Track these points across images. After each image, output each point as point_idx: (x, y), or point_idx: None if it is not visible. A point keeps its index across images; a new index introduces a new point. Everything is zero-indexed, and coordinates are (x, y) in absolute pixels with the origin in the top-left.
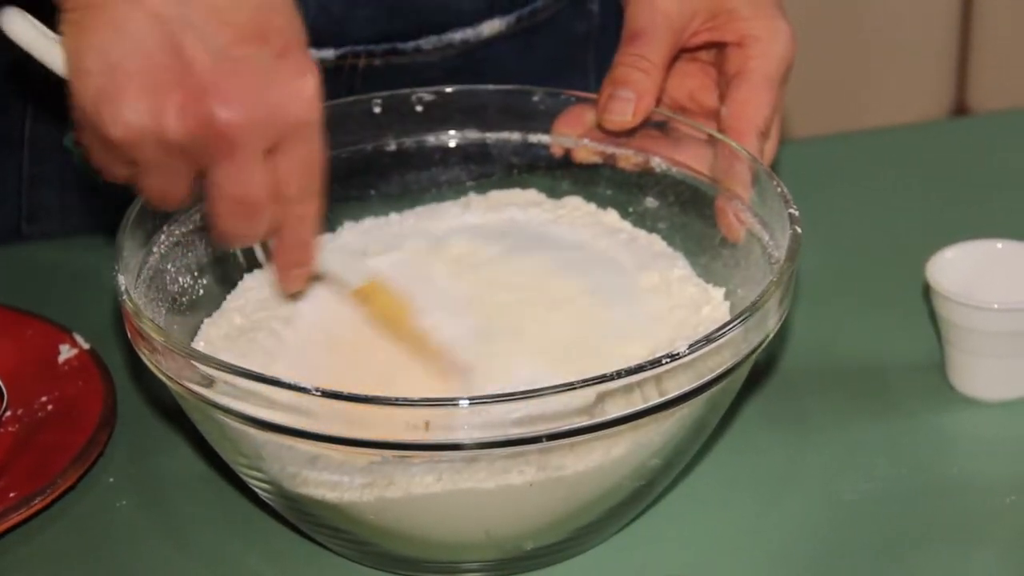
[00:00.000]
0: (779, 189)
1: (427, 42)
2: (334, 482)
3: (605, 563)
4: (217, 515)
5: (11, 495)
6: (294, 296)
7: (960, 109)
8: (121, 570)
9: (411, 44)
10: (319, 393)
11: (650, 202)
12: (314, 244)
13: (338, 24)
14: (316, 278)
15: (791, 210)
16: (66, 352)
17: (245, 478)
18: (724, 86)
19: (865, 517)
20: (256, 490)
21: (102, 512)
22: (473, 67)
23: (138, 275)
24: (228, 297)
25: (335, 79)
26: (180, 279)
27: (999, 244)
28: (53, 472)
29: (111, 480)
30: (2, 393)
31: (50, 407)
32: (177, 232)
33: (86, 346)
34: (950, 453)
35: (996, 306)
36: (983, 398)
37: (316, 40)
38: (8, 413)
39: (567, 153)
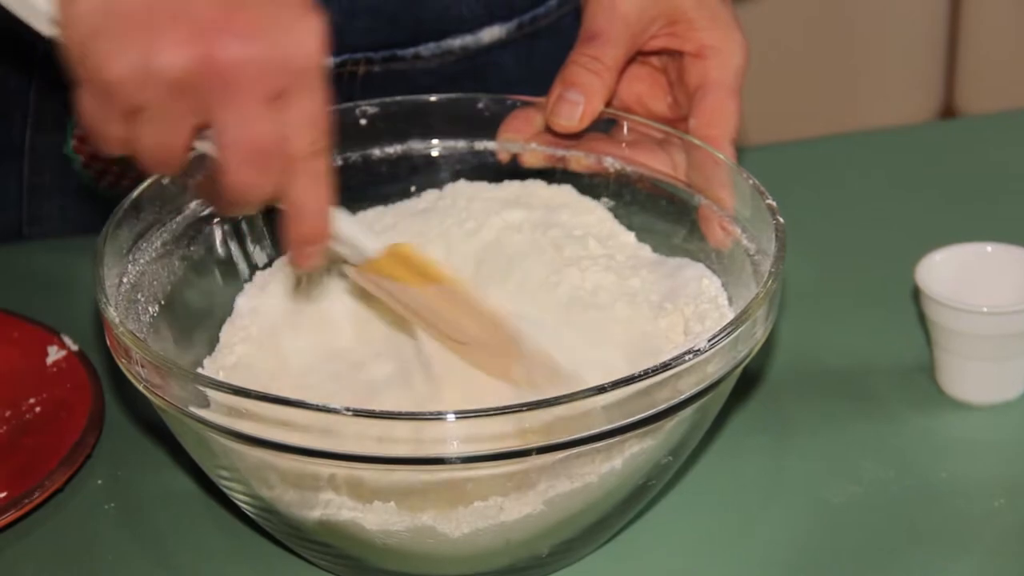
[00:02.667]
0: (751, 182)
1: (426, 49)
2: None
3: (598, 571)
4: (205, 519)
5: None
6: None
7: (948, 111)
8: (109, 572)
9: (410, 51)
10: (295, 404)
11: (605, 202)
12: (328, 210)
13: (337, 32)
14: (330, 258)
15: (768, 201)
16: (54, 354)
17: (228, 492)
18: (683, 97)
19: (853, 520)
20: (240, 505)
21: (90, 514)
22: (473, 73)
23: (119, 283)
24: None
25: (334, 86)
26: (159, 289)
27: (988, 247)
28: (41, 474)
29: (99, 482)
30: None
31: (38, 409)
32: (158, 241)
33: (75, 348)
34: (938, 456)
35: (985, 309)
36: (972, 401)
37: None
38: None
39: (514, 158)
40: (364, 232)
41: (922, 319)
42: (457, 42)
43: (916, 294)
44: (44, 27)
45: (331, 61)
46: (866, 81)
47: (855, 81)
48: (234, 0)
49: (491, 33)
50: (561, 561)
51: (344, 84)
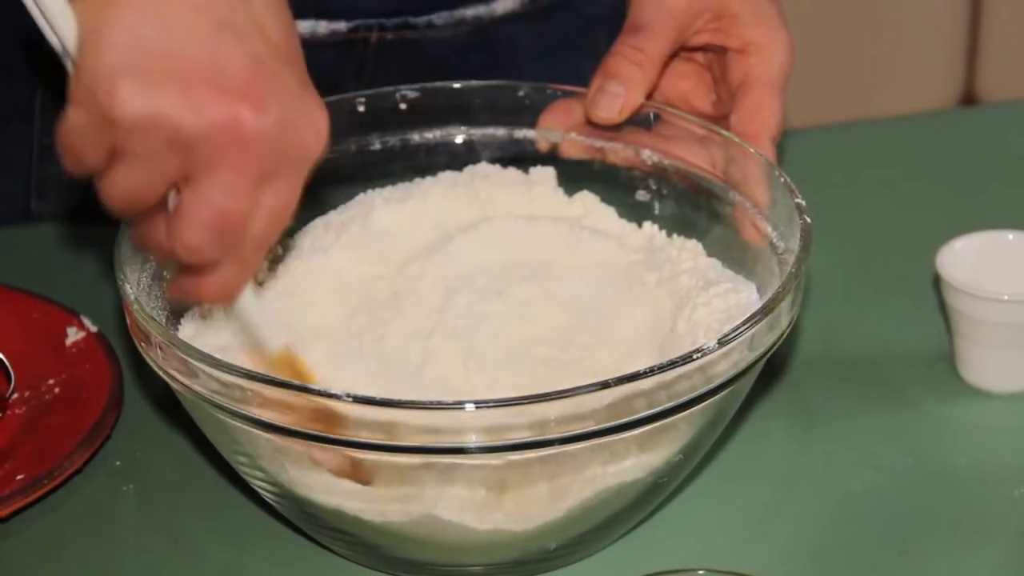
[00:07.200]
0: (783, 180)
1: (439, 17)
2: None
3: (619, 559)
4: (223, 502)
5: (18, 477)
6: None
7: (969, 99)
8: (126, 554)
9: (423, 19)
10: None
11: (641, 196)
12: (238, 296)
13: None
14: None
15: (798, 200)
16: (73, 335)
17: (246, 477)
18: (726, 93)
19: (873, 507)
20: (258, 490)
21: (108, 496)
22: (485, 45)
23: (143, 263)
24: None
25: (347, 53)
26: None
27: (1009, 235)
28: (60, 455)
29: (117, 463)
30: (9, 375)
31: (57, 390)
32: None
33: (93, 329)
34: (958, 444)
35: (1006, 297)
36: (992, 389)
37: (328, 12)
38: (15, 395)
39: (554, 148)
40: (266, 325)
41: (942, 307)
42: (470, 12)
43: (936, 282)
44: (58, 43)
45: (344, 26)
46: (886, 68)
47: (875, 68)
48: (262, 73)
49: (504, 4)
50: (573, 555)
51: (356, 50)
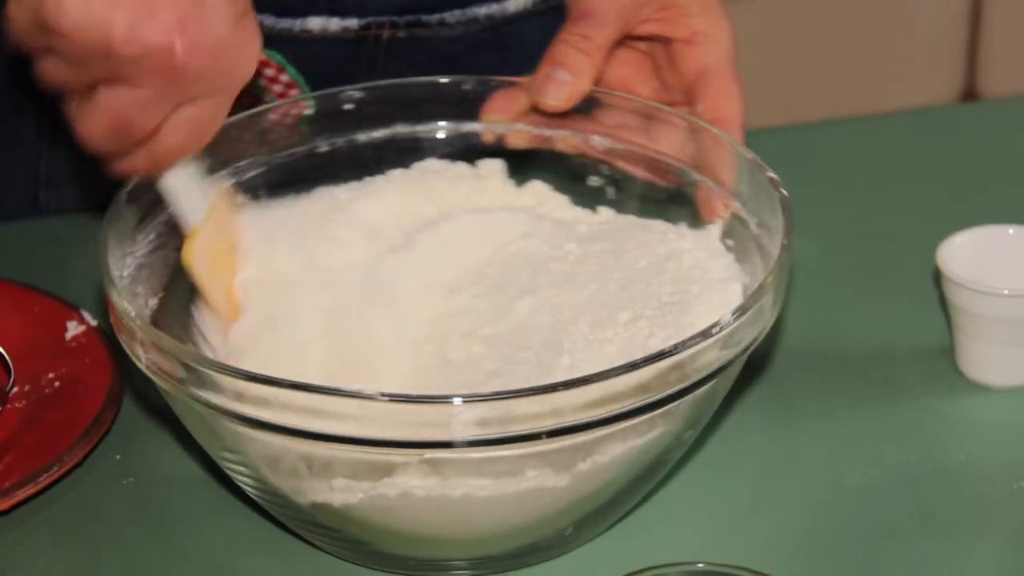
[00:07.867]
0: (749, 156)
1: (451, 15)
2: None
3: (608, 553)
4: (223, 495)
5: (18, 471)
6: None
7: (969, 94)
8: (127, 547)
9: (435, 16)
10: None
11: (593, 181)
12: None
13: None
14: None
15: (770, 174)
16: (73, 329)
17: (232, 474)
18: (676, 82)
19: (872, 503)
20: (244, 487)
21: (108, 489)
22: (497, 44)
23: (124, 265)
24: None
25: (358, 50)
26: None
27: (1010, 230)
28: (60, 449)
29: (117, 457)
30: (9, 369)
31: (57, 384)
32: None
33: (94, 323)
34: (958, 439)
35: (1006, 292)
36: (992, 384)
37: (340, 9)
38: (15, 389)
39: (500, 139)
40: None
41: (943, 302)
42: (483, 10)
43: (937, 277)
44: None
45: (356, 23)
46: (887, 63)
47: (876, 63)
48: (203, 7)
49: (516, 2)
50: (561, 549)
51: (367, 48)
